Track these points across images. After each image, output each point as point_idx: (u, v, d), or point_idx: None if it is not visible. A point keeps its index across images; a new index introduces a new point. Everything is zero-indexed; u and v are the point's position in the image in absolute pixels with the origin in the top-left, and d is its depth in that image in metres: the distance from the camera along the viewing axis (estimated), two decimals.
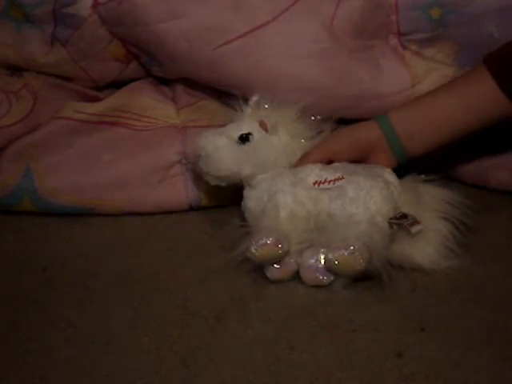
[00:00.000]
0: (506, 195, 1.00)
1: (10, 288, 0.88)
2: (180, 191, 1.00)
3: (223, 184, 0.92)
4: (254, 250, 0.84)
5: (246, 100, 0.94)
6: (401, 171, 0.91)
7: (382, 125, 0.91)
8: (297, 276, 0.87)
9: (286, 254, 0.86)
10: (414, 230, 0.84)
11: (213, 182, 0.92)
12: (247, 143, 0.91)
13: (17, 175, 0.98)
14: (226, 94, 1.01)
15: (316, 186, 0.88)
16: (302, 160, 0.92)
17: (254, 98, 0.93)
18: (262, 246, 0.84)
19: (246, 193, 0.92)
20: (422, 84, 0.98)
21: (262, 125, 0.91)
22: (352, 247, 0.81)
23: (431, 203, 0.89)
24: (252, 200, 0.91)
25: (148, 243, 0.96)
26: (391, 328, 0.80)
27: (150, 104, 1.03)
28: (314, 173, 0.89)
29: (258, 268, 0.87)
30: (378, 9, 0.98)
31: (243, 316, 0.82)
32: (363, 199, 0.85)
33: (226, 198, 0.99)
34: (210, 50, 0.97)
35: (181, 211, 1.00)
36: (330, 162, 0.91)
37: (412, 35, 0.98)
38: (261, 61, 0.98)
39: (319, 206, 0.87)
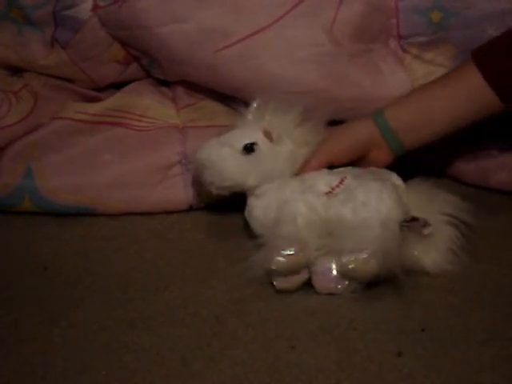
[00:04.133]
0: (505, 196, 1.00)
1: (10, 288, 0.88)
2: (180, 191, 1.00)
3: (225, 193, 0.91)
4: (281, 259, 0.83)
5: (247, 103, 0.94)
6: (405, 176, 0.91)
7: (377, 120, 0.91)
8: None
9: (307, 262, 0.84)
10: (426, 231, 0.84)
11: (215, 192, 0.91)
12: (252, 153, 0.89)
13: (17, 175, 0.98)
14: (227, 95, 1.01)
15: (328, 195, 0.87)
16: (305, 168, 0.91)
17: (254, 104, 0.91)
18: (286, 256, 0.83)
19: (252, 202, 0.90)
20: None
21: (267, 134, 0.90)
22: (366, 251, 0.81)
23: (436, 205, 0.88)
24: (259, 209, 0.89)
25: (148, 243, 0.96)
26: (391, 328, 0.80)
27: (150, 104, 1.03)
28: (321, 179, 0.88)
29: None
30: (378, 12, 0.98)
31: (243, 316, 0.82)
32: (374, 202, 0.84)
33: (226, 198, 0.99)
34: (211, 53, 0.98)
35: (181, 211, 1.00)
36: (331, 165, 0.91)
37: (412, 38, 0.98)
38: (261, 64, 0.98)
39: (331, 212, 0.86)
